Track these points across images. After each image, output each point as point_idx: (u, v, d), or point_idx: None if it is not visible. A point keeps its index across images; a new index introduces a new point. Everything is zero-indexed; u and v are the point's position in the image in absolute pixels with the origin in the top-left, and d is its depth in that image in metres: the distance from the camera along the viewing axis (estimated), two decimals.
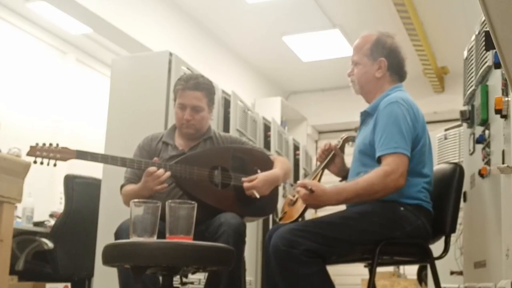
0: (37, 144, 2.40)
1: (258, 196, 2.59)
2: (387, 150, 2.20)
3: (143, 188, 2.50)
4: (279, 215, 2.52)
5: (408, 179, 2.24)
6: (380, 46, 2.43)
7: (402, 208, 2.23)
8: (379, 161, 2.23)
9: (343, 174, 2.56)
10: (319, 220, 2.28)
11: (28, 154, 2.39)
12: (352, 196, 2.20)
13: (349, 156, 2.52)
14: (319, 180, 2.49)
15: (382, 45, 2.43)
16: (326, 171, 2.57)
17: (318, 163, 2.61)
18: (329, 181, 2.66)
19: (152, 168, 2.45)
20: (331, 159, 2.57)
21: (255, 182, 2.59)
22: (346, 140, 2.62)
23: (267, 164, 2.73)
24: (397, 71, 2.45)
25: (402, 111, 2.25)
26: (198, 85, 2.71)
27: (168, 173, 2.48)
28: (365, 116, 2.44)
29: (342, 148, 2.60)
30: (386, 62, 2.41)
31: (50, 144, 2.42)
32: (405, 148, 2.21)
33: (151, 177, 2.45)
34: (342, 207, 2.39)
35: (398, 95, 2.34)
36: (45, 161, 2.39)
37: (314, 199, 2.20)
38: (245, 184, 2.59)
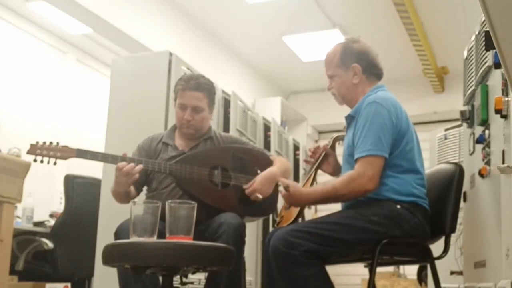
0: (37, 142, 2.39)
1: (261, 197, 2.59)
2: (360, 153, 2.25)
3: (117, 184, 2.51)
4: (277, 219, 2.52)
5: (400, 177, 2.26)
6: (348, 53, 2.46)
7: (398, 206, 2.24)
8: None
9: (338, 173, 2.57)
10: (318, 220, 2.29)
11: (28, 152, 2.38)
12: (320, 198, 2.28)
13: (340, 156, 2.52)
14: (312, 181, 2.49)
15: (350, 51, 2.46)
16: (321, 172, 2.58)
17: (308, 166, 2.63)
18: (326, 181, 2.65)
19: (121, 164, 2.43)
20: (324, 159, 2.58)
21: (255, 185, 2.59)
22: (336, 140, 2.64)
23: (267, 164, 2.73)
24: (372, 72, 2.46)
25: (379, 111, 2.27)
26: (198, 85, 2.70)
27: (140, 166, 2.45)
28: (350, 120, 2.45)
29: (333, 148, 2.63)
30: (359, 66, 2.43)
31: (51, 143, 2.41)
32: (379, 149, 2.23)
33: (121, 172, 2.44)
34: (340, 207, 2.41)
35: (378, 95, 2.35)
36: (45, 159, 2.39)
37: (292, 199, 2.29)
38: (247, 191, 2.59)
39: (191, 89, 2.68)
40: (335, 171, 2.59)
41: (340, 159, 2.55)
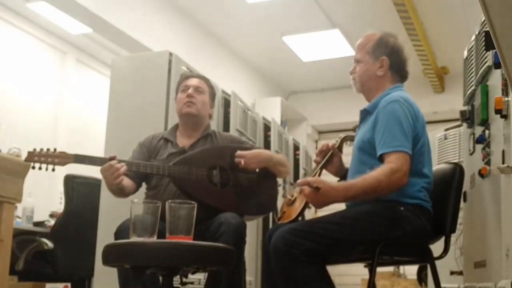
0: (34, 149, 2.41)
1: (242, 163, 2.60)
2: (390, 148, 2.19)
3: (106, 184, 2.53)
4: (278, 215, 2.51)
5: (409, 179, 2.23)
6: (382, 45, 2.43)
7: (402, 208, 2.23)
8: (380, 159, 2.22)
9: (341, 174, 2.56)
10: (319, 220, 2.28)
11: (26, 160, 2.40)
12: (359, 193, 2.15)
13: (348, 156, 2.52)
14: None
15: (385, 44, 2.43)
16: (324, 171, 2.57)
17: (315, 164, 2.61)
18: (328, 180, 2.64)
19: (109, 164, 2.44)
20: (329, 159, 2.55)
21: (245, 152, 2.64)
22: (344, 140, 2.61)
23: None
24: (398, 71, 2.45)
25: (403, 110, 2.25)
26: (201, 76, 2.91)
27: (125, 167, 2.46)
28: (365, 114, 2.44)
29: (340, 148, 2.59)
30: (388, 61, 2.41)
31: (48, 149, 2.43)
32: (408, 146, 2.20)
33: (108, 172, 2.44)
34: (341, 207, 2.40)
35: (398, 94, 2.34)
36: (44, 166, 2.41)
37: (320, 196, 2.12)
38: (237, 153, 2.63)
39: (194, 76, 2.90)
40: (338, 172, 2.57)
41: (346, 159, 2.54)
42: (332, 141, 2.62)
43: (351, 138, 2.59)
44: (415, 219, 2.23)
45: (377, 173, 2.15)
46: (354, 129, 2.59)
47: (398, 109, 2.25)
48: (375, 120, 2.30)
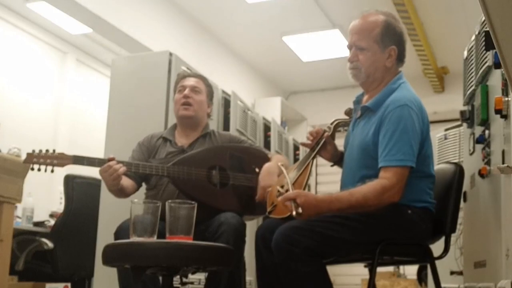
0: (33, 151, 2.41)
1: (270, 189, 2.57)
2: (392, 162, 2.12)
3: (106, 185, 2.53)
4: (268, 208, 2.40)
5: (416, 183, 2.20)
6: (391, 33, 2.26)
7: (409, 211, 2.19)
8: (380, 169, 2.15)
9: (336, 159, 2.49)
10: (322, 219, 2.25)
11: (25, 161, 2.40)
12: (345, 207, 2.12)
13: (339, 139, 2.44)
14: (310, 171, 2.40)
15: (393, 31, 2.27)
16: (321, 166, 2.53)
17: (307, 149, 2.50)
18: (321, 163, 2.57)
19: (108, 164, 2.44)
20: (322, 146, 2.45)
21: (261, 184, 2.59)
22: (336, 126, 2.49)
23: (265, 162, 2.72)
24: (401, 59, 2.33)
25: (412, 117, 2.16)
26: (198, 75, 2.90)
27: (123, 168, 2.46)
28: (364, 110, 2.33)
29: (333, 136, 2.48)
30: (396, 50, 2.27)
31: (47, 151, 2.43)
32: (411, 159, 2.13)
33: (107, 173, 2.44)
34: None
35: (405, 94, 2.23)
36: (43, 167, 2.40)
37: (305, 215, 2.09)
38: (257, 198, 2.60)
39: (191, 75, 2.89)
40: (334, 157, 2.49)
41: (338, 142, 2.46)
42: (320, 128, 2.50)
43: (345, 124, 2.49)
44: (421, 223, 2.21)
45: (367, 189, 2.10)
46: (346, 113, 2.49)
47: (407, 116, 2.15)
48: (380, 122, 2.20)
